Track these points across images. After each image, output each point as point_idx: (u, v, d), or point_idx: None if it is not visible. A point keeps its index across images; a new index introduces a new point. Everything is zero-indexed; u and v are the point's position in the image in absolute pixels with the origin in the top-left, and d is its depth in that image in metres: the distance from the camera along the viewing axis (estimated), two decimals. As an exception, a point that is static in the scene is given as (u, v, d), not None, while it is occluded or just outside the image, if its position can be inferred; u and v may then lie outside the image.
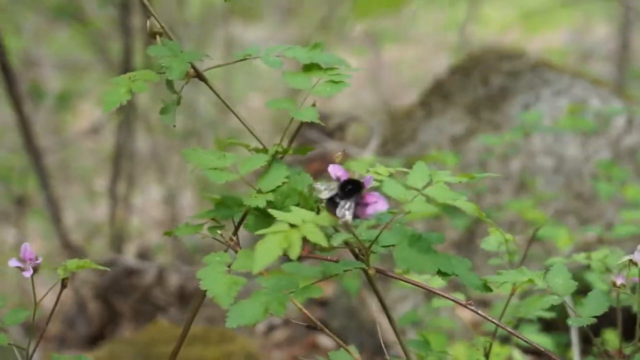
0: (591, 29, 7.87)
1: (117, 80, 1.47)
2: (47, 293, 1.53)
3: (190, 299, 4.38)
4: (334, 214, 1.29)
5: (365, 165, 2.17)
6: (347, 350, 1.50)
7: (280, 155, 1.49)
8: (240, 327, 1.29)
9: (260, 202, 1.40)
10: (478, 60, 4.20)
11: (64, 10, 5.51)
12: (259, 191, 1.44)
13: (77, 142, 6.49)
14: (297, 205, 1.40)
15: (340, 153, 1.45)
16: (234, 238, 1.46)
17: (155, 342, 3.07)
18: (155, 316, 4.33)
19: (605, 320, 1.48)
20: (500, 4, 8.34)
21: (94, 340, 4.32)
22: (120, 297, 4.42)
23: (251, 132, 1.53)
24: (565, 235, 2.75)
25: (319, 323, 1.42)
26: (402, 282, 1.46)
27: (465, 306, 1.42)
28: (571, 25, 7.96)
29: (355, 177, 1.33)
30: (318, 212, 1.36)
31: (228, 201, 1.51)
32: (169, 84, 1.50)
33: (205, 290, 1.32)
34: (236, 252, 1.42)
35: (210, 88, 1.54)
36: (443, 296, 1.46)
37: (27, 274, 1.49)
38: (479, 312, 1.41)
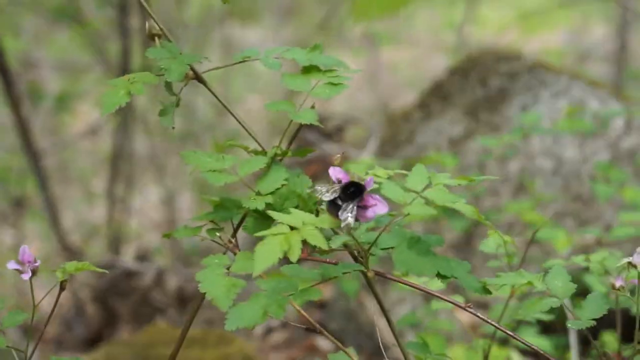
0: (589, 30, 7.87)
1: (116, 82, 1.47)
2: (45, 295, 1.52)
3: (188, 301, 4.38)
4: (336, 216, 1.29)
5: (364, 167, 2.17)
6: (346, 353, 1.50)
7: (279, 158, 1.49)
8: (238, 329, 1.29)
9: (259, 204, 1.40)
10: (476, 61, 4.20)
11: (63, 11, 5.51)
12: (258, 193, 1.44)
13: (75, 144, 6.48)
14: (296, 207, 1.40)
15: (339, 155, 1.45)
16: (233, 240, 1.46)
17: (154, 344, 3.07)
18: (153, 318, 4.32)
19: (604, 323, 1.48)
20: (498, 4, 8.34)
21: (92, 342, 4.32)
22: (118, 299, 4.41)
23: (250, 134, 1.52)
24: (564, 237, 2.75)
25: (317, 325, 1.42)
26: (401, 284, 1.46)
27: (464, 308, 1.41)
28: (569, 26, 7.96)
29: (355, 179, 1.33)
30: (317, 215, 1.36)
31: (227, 203, 1.50)
32: (168, 86, 1.50)
33: (204, 293, 1.32)
34: (235, 254, 1.42)
35: (209, 90, 1.54)
36: (442, 299, 1.45)
37: (26, 276, 1.48)
38: (478, 314, 1.41)
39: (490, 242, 1.71)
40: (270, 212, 1.28)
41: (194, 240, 4.60)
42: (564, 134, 3.56)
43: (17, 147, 4.90)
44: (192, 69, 1.50)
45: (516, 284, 1.43)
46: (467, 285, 1.39)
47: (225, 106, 1.53)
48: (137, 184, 5.90)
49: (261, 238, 1.23)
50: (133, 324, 4.33)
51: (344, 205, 1.30)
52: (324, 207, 1.34)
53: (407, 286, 1.46)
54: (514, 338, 1.43)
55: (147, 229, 6.13)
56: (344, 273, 1.37)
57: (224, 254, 1.43)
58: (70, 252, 4.51)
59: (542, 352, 1.40)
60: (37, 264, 1.49)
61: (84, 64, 6.25)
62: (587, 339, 1.50)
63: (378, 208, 1.31)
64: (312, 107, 1.47)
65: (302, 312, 1.40)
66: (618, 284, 1.51)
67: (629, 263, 1.47)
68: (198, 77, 1.52)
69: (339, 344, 1.49)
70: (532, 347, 1.41)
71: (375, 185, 1.34)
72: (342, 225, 1.28)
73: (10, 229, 5.53)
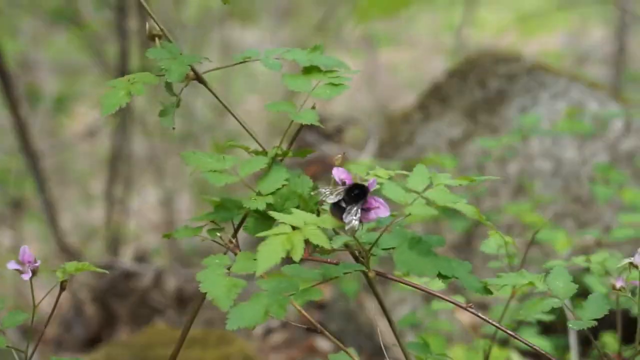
0: (587, 32, 7.88)
1: (116, 82, 1.46)
2: (45, 296, 1.52)
3: (188, 301, 4.38)
4: (340, 218, 1.29)
5: (364, 168, 2.17)
6: (347, 353, 1.50)
7: (280, 158, 1.49)
8: (239, 329, 1.29)
9: (260, 205, 1.40)
10: (475, 63, 4.20)
11: (61, 13, 5.50)
12: (259, 194, 1.44)
13: (73, 145, 6.48)
14: (297, 207, 1.40)
15: (340, 156, 1.44)
16: (234, 240, 1.46)
17: (153, 345, 3.07)
18: (152, 319, 4.32)
19: (604, 324, 1.48)
20: (496, 7, 8.34)
21: (91, 343, 4.31)
22: (117, 300, 4.41)
23: (251, 135, 1.52)
24: (564, 238, 2.75)
25: (319, 325, 1.42)
26: (402, 284, 1.46)
27: (465, 309, 1.41)
28: (567, 28, 7.97)
29: (358, 180, 1.33)
30: (318, 215, 1.36)
31: (227, 204, 1.50)
32: (168, 86, 1.50)
33: (205, 293, 1.32)
34: (236, 254, 1.42)
35: (210, 90, 1.54)
36: (444, 299, 1.45)
37: (26, 276, 1.48)
38: (480, 314, 1.41)
39: (491, 243, 1.71)
40: (272, 213, 1.28)
41: (193, 241, 4.60)
42: (563, 135, 3.56)
43: (15, 149, 4.90)
44: (192, 69, 1.50)
45: (517, 284, 1.43)
46: (468, 285, 1.39)
47: (225, 106, 1.53)
48: (135, 185, 5.90)
49: (262, 238, 1.23)
50: (132, 325, 4.32)
51: (348, 208, 1.30)
52: (325, 207, 1.34)
53: (408, 286, 1.46)
54: (516, 338, 1.42)
55: (145, 230, 6.13)
56: (345, 273, 1.37)
57: (225, 254, 1.43)
58: (69, 254, 4.51)
59: (543, 352, 1.40)
60: (37, 264, 1.49)
61: (82, 65, 6.25)
62: (587, 339, 1.50)
63: (380, 211, 1.31)
64: (313, 107, 1.47)
65: (303, 312, 1.40)
66: (619, 284, 1.51)
67: (630, 263, 1.47)
68: (198, 78, 1.52)
69: (340, 344, 1.48)
70: (534, 347, 1.40)
71: (377, 186, 1.34)
72: (347, 227, 1.28)
73: (8, 231, 5.52)
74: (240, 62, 1.54)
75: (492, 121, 3.84)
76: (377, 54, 7.63)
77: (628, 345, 1.57)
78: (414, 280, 1.55)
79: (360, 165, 2.62)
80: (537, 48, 7.26)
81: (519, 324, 2.36)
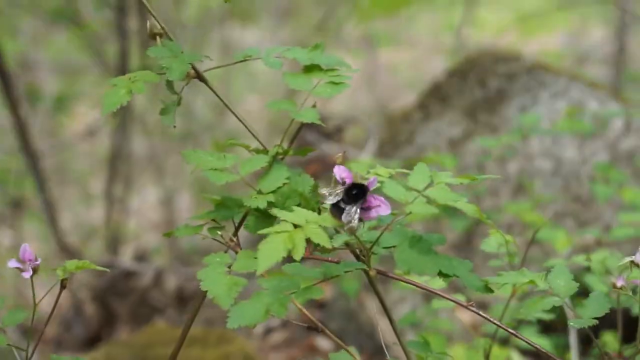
0: (587, 32, 7.87)
1: (117, 81, 1.46)
2: (45, 295, 1.52)
3: (187, 300, 4.38)
4: (339, 219, 1.29)
5: (365, 167, 2.17)
6: (348, 352, 1.50)
7: (280, 157, 1.49)
8: (239, 328, 1.29)
9: (261, 203, 1.40)
10: (474, 62, 4.21)
11: (61, 13, 5.50)
12: (260, 192, 1.44)
13: (73, 145, 6.48)
14: (298, 206, 1.40)
15: (340, 154, 1.44)
16: (234, 239, 1.46)
17: (153, 344, 3.07)
18: (152, 318, 4.32)
19: (604, 323, 1.48)
20: (496, 7, 8.34)
21: (91, 342, 4.31)
22: (117, 299, 4.41)
23: (252, 133, 1.52)
24: (564, 237, 2.75)
25: (319, 324, 1.42)
26: (402, 283, 1.46)
27: (466, 307, 1.41)
28: (567, 28, 7.96)
29: (358, 179, 1.33)
30: (319, 213, 1.36)
31: (228, 202, 1.50)
32: (169, 84, 1.50)
33: (205, 291, 1.31)
34: (236, 253, 1.42)
35: (211, 89, 1.54)
36: (445, 297, 1.45)
37: (27, 274, 1.48)
38: (481, 313, 1.41)
39: (492, 242, 1.71)
40: (274, 210, 1.28)
41: (193, 240, 4.60)
42: (563, 135, 3.57)
43: (15, 149, 4.90)
44: (193, 67, 1.50)
45: (518, 282, 1.43)
46: (469, 283, 1.39)
47: (226, 104, 1.53)
48: (135, 185, 5.90)
49: (263, 237, 1.23)
50: (132, 324, 4.32)
51: (347, 208, 1.29)
52: (326, 206, 1.34)
53: (408, 285, 1.46)
54: (517, 337, 1.42)
55: (145, 229, 6.13)
56: (346, 272, 1.36)
57: (225, 252, 1.43)
58: (69, 253, 4.51)
59: (544, 351, 1.40)
60: (37, 263, 1.49)
61: (82, 65, 6.24)
62: (587, 338, 1.50)
63: (381, 209, 1.31)
64: (314, 106, 1.47)
65: (304, 310, 1.39)
66: (619, 283, 1.51)
67: (632, 262, 1.46)
68: (200, 76, 1.52)
69: (341, 343, 1.48)
70: (535, 345, 1.40)
71: (377, 185, 1.34)
72: (345, 228, 1.28)
73: (8, 230, 5.52)
74: (241, 61, 1.54)
75: (492, 120, 3.84)
76: (377, 54, 7.63)
77: (629, 344, 1.57)
78: (415, 278, 1.55)
79: (360, 164, 2.63)
80: (537, 48, 7.25)
81: (519, 323, 2.36)
